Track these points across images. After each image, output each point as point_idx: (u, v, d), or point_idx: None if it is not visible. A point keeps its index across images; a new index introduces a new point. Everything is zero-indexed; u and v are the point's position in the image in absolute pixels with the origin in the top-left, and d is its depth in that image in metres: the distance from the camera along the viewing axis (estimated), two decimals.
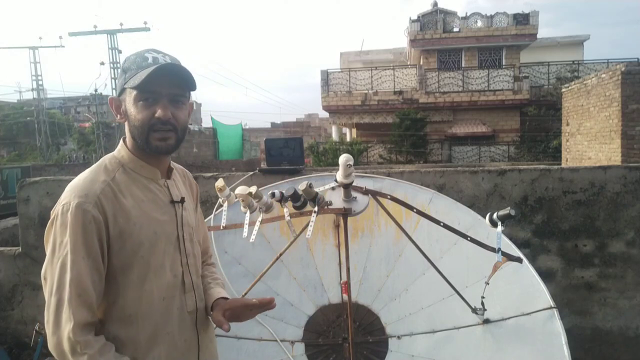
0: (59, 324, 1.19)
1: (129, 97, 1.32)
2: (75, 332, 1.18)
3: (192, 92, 1.45)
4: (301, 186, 2.26)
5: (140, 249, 1.29)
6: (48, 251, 1.26)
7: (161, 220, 1.35)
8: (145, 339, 1.30)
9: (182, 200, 1.42)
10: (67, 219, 1.22)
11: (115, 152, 1.40)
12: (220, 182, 2.62)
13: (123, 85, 1.33)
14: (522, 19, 20.66)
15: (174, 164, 1.50)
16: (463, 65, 21.23)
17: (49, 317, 1.21)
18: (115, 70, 25.04)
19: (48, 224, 1.27)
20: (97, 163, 1.38)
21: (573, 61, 20.49)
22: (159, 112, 1.29)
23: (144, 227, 1.30)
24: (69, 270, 1.20)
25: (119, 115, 1.37)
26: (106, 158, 1.38)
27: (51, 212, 1.28)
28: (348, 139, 23.92)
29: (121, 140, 1.41)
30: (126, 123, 1.35)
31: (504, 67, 20.62)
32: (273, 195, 2.44)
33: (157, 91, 1.29)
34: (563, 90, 11.27)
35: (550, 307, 2.41)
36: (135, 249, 1.28)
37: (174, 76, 1.31)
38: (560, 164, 10.90)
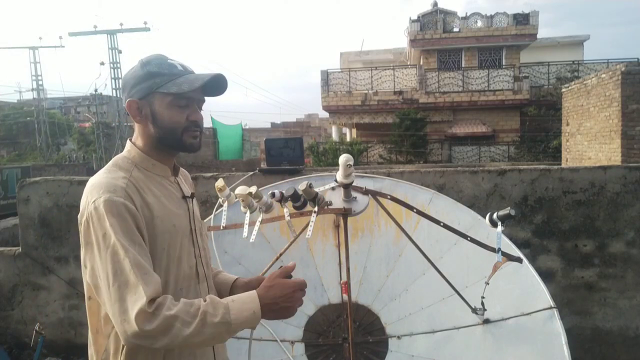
0: (127, 308, 1.17)
1: (161, 101, 1.36)
2: (148, 305, 1.16)
3: None
4: (301, 186, 2.26)
5: (163, 241, 1.33)
6: (94, 250, 1.25)
7: (178, 213, 1.41)
8: None
9: (193, 196, 1.51)
10: (102, 212, 1.23)
11: (124, 153, 1.43)
12: (220, 182, 2.63)
13: (152, 89, 1.36)
14: (522, 19, 20.65)
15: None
16: (463, 65, 21.22)
17: (113, 308, 1.19)
18: (116, 71, 25.04)
19: (83, 229, 1.27)
20: (108, 165, 1.40)
21: (573, 61, 20.49)
22: (194, 116, 1.40)
23: (165, 220, 1.35)
24: (124, 255, 1.20)
25: (138, 117, 1.39)
26: (117, 159, 1.41)
27: (79, 218, 1.29)
28: (348, 139, 23.92)
29: (128, 142, 1.44)
30: (147, 124, 1.38)
31: (504, 67, 20.62)
32: (273, 195, 2.44)
33: (192, 97, 1.39)
34: (563, 90, 11.27)
35: (550, 307, 2.41)
36: (159, 241, 1.32)
37: (214, 89, 1.43)
38: (560, 164, 10.90)
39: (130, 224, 1.24)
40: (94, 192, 1.28)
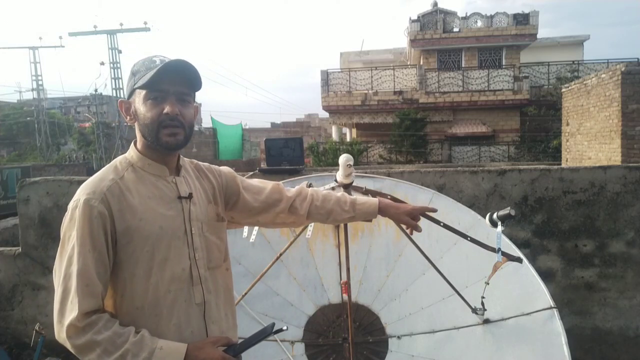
0: (64, 313, 1.25)
1: (138, 98, 1.39)
2: (79, 319, 1.23)
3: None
4: None
5: (147, 243, 1.34)
6: (59, 245, 1.32)
7: (167, 215, 1.39)
8: (153, 330, 1.34)
9: (190, 196, 1.46)
10: (76, 214, 1.30)
11: (126, 154, 1.47)
12: None
13: (132, 87, 1.40)
14: (522, 19, 20.65)
15: (185, 161, 1.55)
16: (463, 65, 21.22)
17: (55, 307, 1.27)
18: (116, 71, 25.09)
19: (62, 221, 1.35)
20: (110, 163, 1.45)
21: (573, 61, 20.50)
22: (167, 109, 1.35)
23: (150, 223, 1.35)
24: (76, 261, 1.26)
25: (128, 117, 1.44)
26: (118, 159, 1.46)
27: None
28: (348, 139, 23.92)
29: (132, 143, 1.47)
30: (136, 124, 1.42)
31: (504, 67, 20.61)
32: None
33: (164, 90, 1.36)
34: (563, 90, 11.27)
35: (550, 307, 2.41)
36: (142, 244, 1.34)
37: (180, 75, 1.39)
38: (560, 164, 10.90)
39: (97, 229, 1.29)
40: (79, 191, 1.34)
